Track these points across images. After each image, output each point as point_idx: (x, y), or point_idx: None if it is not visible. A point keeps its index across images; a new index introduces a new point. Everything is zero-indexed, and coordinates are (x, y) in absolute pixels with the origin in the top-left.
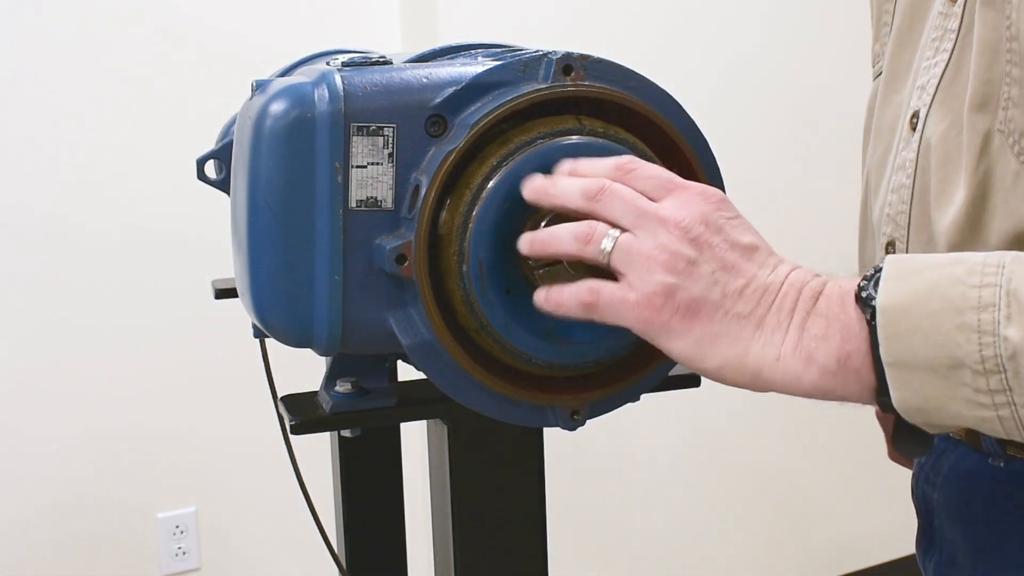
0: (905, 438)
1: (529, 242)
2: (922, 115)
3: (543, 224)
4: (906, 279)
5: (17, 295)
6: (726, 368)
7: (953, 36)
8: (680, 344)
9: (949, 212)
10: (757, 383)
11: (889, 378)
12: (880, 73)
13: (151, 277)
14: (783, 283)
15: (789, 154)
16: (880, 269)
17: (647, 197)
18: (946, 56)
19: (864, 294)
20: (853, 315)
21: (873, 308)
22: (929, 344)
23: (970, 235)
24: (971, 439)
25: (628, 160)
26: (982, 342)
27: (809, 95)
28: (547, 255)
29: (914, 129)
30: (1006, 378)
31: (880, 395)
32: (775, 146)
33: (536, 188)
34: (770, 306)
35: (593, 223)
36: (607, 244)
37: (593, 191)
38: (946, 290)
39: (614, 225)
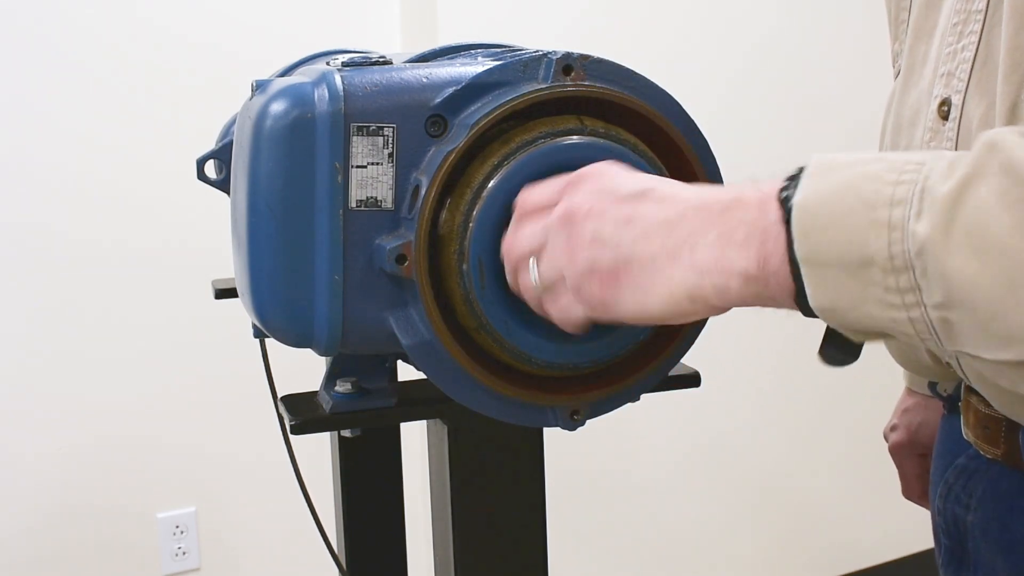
0: (831, 348)
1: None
2: (955, 102)
3: None
4: (826, 175)
5: (16, 295)
6: (666, 306)
7: (980, 16)
8: (622, 308)
9: None
10: (697, 306)
11: (804, 276)
12: (899, 72)
13: (151, 277)
14: (686, 209)
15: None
16: (801, 169)
17: (549, 208)
18: (975, 38)
19: (784, 195)
20: (772, 216)
21: (790, 208)
22: (841, 240)
23: None
24: (1008, 458)
25: (518, 200)
26: (891, 238)
27: (820, 97)
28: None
29: (945, 118)
30: (914, 275)
31: (799, 297)
32: (785, 148)
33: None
34: (678, 235)
35: (513, 267)
36: (533, 278)
37: (504, 251)
38: (862, 186)
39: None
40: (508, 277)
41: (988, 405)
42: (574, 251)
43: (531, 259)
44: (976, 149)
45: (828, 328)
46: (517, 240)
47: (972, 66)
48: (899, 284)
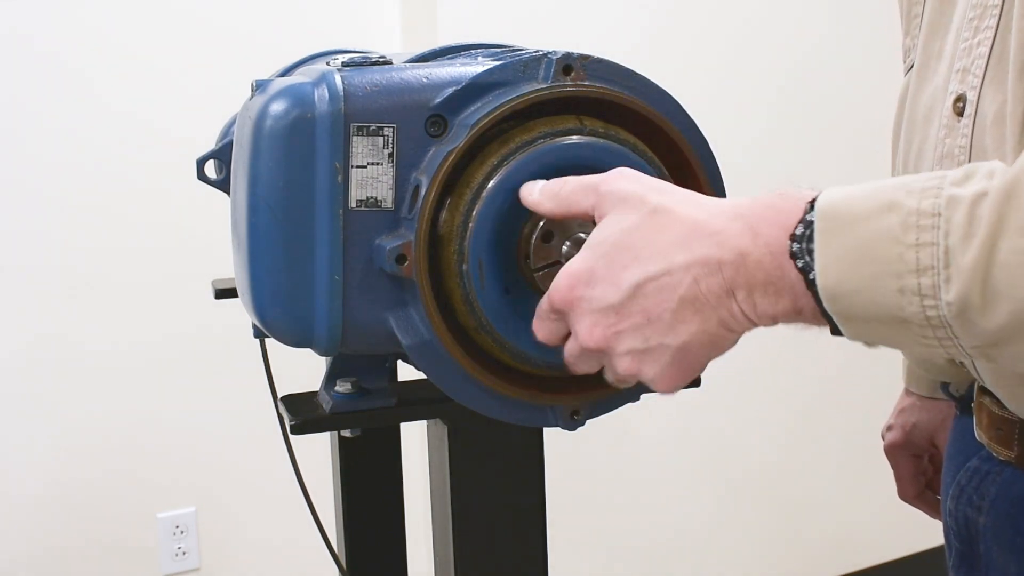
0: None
1: (568, 364)
2: (971, 97)
3: (539, 228)
4: (839, 238)
5: (17, 294)
6: (715, 357)
7: (996, 11)
8: (677, 376)
9: None
10: (732, 344)
11: (840, 326)
12: (912, 67)
13: (151, 277)
14: (697, 280)
15: (803, 155)
16: (809, 224)
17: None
18: (991, 33)
19: (800, 263)
20: (793, 276)
21: (812, 280)
22: (873, 305)
23: None
24: (1021, 461)
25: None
26: (925, 304)
27: (821, 97)
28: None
29: (960, 114)
30: (952, 331)
31: (836, 332)
32: (786, 147)
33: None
34: (705, 308)
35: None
36: (611, 378)
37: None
38: (883, 251)
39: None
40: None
41: (1002, 407)
42: (630, 370)
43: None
44: (993, 198)
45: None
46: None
47: (987, 62)
48: (937, 335)
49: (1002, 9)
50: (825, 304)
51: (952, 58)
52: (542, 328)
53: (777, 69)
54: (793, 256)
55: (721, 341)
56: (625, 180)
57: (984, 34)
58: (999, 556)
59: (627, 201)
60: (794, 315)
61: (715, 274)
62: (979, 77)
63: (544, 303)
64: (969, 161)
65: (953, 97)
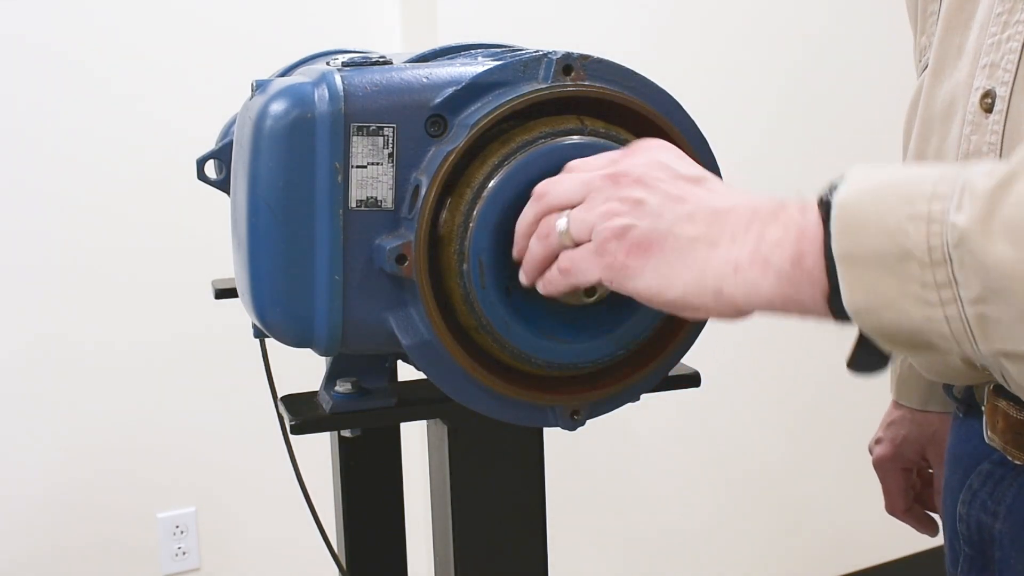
0: (861, 358)
1: (523, 272)
2: (1001, 93)
3: None
4: (866, 177)
5: (18, 294)
6: (688, 294)
7: None
8: (642, 282)
9: None
10: (720, 302)
11: (840, 275)
12: (927, 66)
13: (151, 277)
14: (734, 205)
15: (803, 155)
16: (842, 177)
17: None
18: (1022, 28)
19: (825, 198)
20: (811, 217)
21: (829, 203)
22: (880, 234)
23: None
24: None
25: (579, 162)
26: (930, 230)
27: (821, 96)
28: (538, 272)
29: (988, 110)
30: (951, 269)
31: (832, 299)
32: (786, 147)
33: (517, 240)
34: (722, 225)
35: (540, 211)
36: (561, 225)
37: (538, 192)
38: (903, 185)
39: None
40: (524, 219)
41: (1021, 410)
42: (612, 209)
43: (565, 212)
44: (1021, 149)
45: (859, 336)
46: (555, 187)
47: (1020, 56)
48: (936, 278)
49: None
50: (834, 233)
51: (976, 54)
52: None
53: (778, 69)
54: (820, 200)
55: (686, 266)
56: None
57: (1015, 28)
58: (1018, 563)
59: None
60: (791, 264)
61: (749, 207)
62: (1011, 72)
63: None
64: (1001, 157)
65: (980, 93)
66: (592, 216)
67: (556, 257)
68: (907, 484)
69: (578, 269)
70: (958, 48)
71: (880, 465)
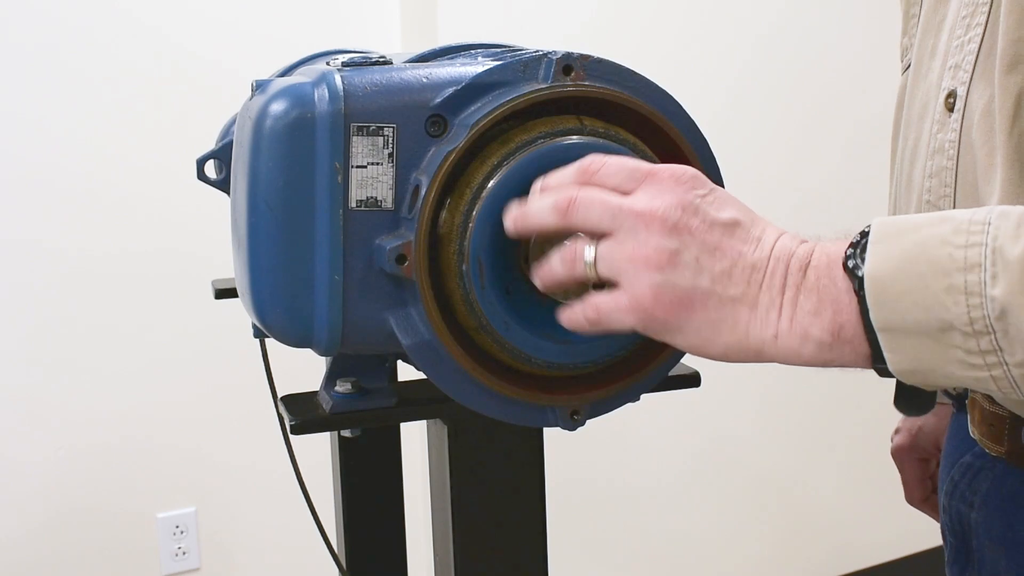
0: (906, 399)
1: (538, 278)
2: (960, 93)
3: (531, 245)
4: (892, 242)
5: (18, 294)
6: (730, 352)
7: (986, 9)
8: (681, 337)
9: (995, 184)
10: (761, 359)
11: (882, 343)
12: (909, 66)
13: (151, 277)
14: (769, 257)
15: (803, 155)
16: (866, 234)
17: (620, 191)
18: (980, 30)
19: (851, 263)
20: (842, 285)
21: (860, 278)
22: (918, 308)
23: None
24: (1012, 456)
25: (591, 160)
26: (970, 303)
27: (821, 96)
28: (556, 285)
29: (951, 109)
30: (995, 339)
31: (876, 362)
32: (786, 147)
33: (513, 218)
34: (760, 285)
35: (573, 241)
36: (588, 256)
37: (564, 205)
38: (932, 252)
39: (594, 233)
40: (540, 210)
41: (993, 402)
42: (645, 257)
43: (593, 243)
44: None
45: (900, 382)
46: (584, 208)
47: (976, 57)
48: (980, 347)
49: (991, 6)
50: (870, 306)
51: (945, 55)
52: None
53: (779, 69)
54: (846, 260)
55: (734, 331)
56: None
57: (975, 31)
58: (991, 551)
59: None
60: (831, 336)
61: (782, 263)
62: (968, 73)
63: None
64: (959, 155)
65: (945, 93)
66: (621, 258)
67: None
68: (924, 474)
69: (610, 320)
70: (932, 50)
71: (898, 455)
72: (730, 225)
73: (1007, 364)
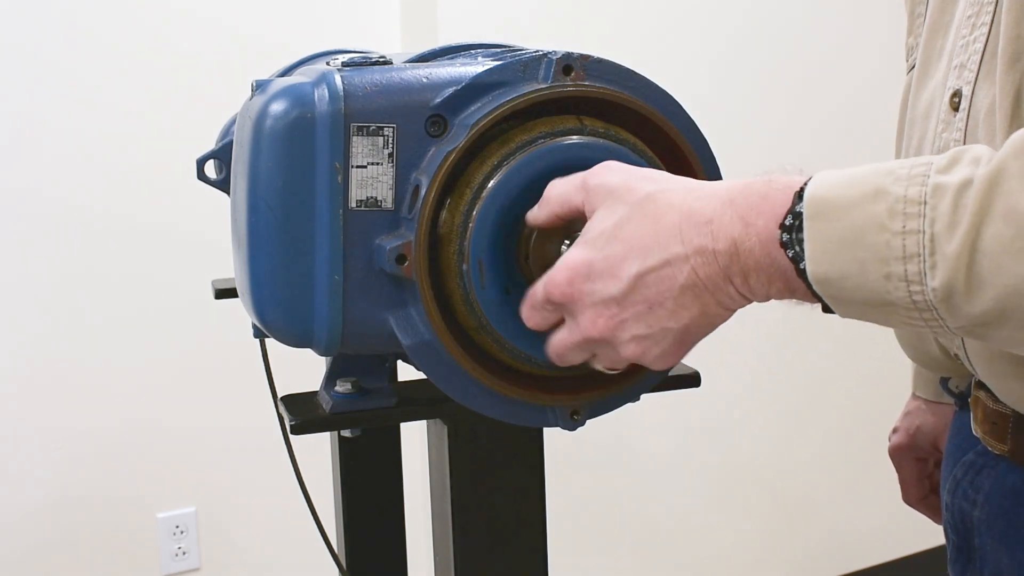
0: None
1: (555, 356)
2: (966, 92)
3: (531, 245)
4: (827, 224)
5: (19, 295)
6: (701, 332)
7: (991, 8)
8: (675, 359)
9: None
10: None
11: (832, 307)
12: (914, 66)
13: (151, 277)
14: (692, 269)
15: (802, 155)
16: (798, 214)
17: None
18: (985, 30)
19: (790, 252)
20: (784, 263)
21: (803, 269)
22: (861, 290)
23: None
24: (1015, 454)
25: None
26: (911, 290)
27: (821, 96)
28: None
29: (956, 109)
30: (938, 314)
31: (828, 310)
32: (786, 147)
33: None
34: (707, 292)
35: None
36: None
37: (580, 338)
38: (870, 238)
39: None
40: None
41: (996, 401)
42: (635, 354)
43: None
44: (978, 187)
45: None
46: (570, 334)
47: (982, 57)
48: (924, 317)
49: (996, 6)
50: (815, 288)
51: (951, 55)
52: (534, 317)
53: (779, 68)
54: (784, 245)
55: (718, 319)
56: (611, 172)
57: (980, 31)
58: (993, 549)
59: (615, 193)
60: (788, 294)
61: (712, 263)
62: (973, 72)
63: (539, 294)
64: None
65: (950, 92)
66: (616, 358)
67: None
68: (922, 474)
69: (614, 362)
70: (939, 50)
71: (896, 454)
72: (635, 279)
73: (949, 327)
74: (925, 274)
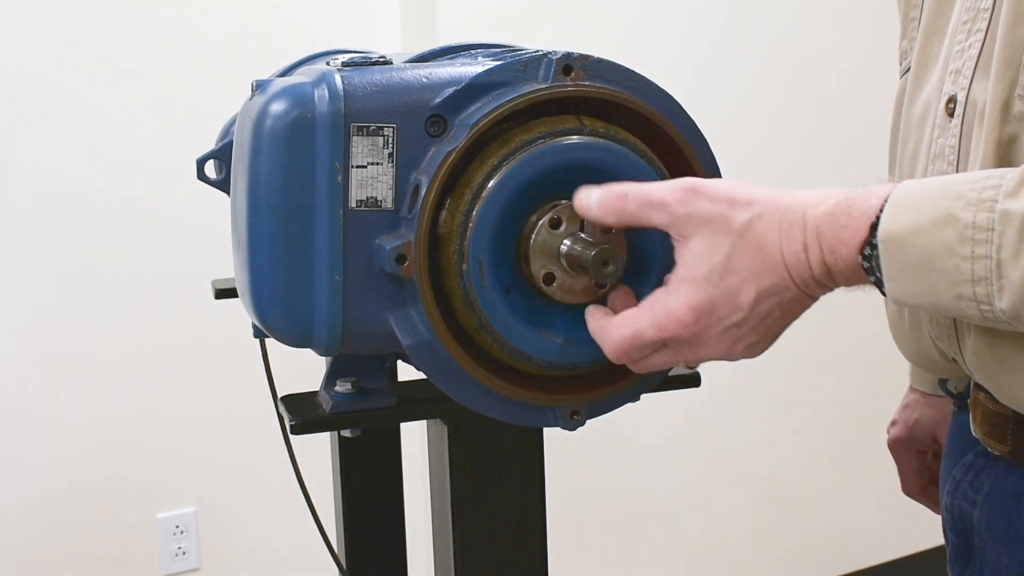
0: None
1: (639, 369)
2: (960, 98)
3: (531, 245)
4: (901, 253)
5: (19, 294)
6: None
7: (987, 15)
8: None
9: None
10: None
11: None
12: (908, 69)
13: (151, 277)
14: (795, 295)
15: (802, 154)
16: (875, 245)
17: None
18: (981, 36)
19: (872, 278)
20: (868, 281)
21: (883, 288)
22: (935, 307)
23: None
24: (1014, 455)
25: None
26: (981, 308)
27: (821, 96)
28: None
29: (951, 114)
30: (1009, 324)
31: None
32: (785, 147)
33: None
34: (795, 309)
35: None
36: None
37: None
38: (941, 262)
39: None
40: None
41: (995, 402)
42: (743, 356)
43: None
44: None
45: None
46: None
47: (976, 63)
48: (997, 325)
49: (992, 12)
50: (896, 304)
51: (946, 60)
52: (632, 354)
53: (779, 68)
54: (866, 271)
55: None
56: (701, 200)
57: (975, 36)
58: (993, 550)
59: (712, 223)
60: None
61: (810, 282)
62: (968, 78)
63: (647, 335)
64: (958, 160)
65: (946, 98)
66: (709, 355)
67: None
68: (921, 466)
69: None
70: (935, 55)
71: (894, 447)
72: (757, 300)
73: (1013, 326)
74: (993, 296)
